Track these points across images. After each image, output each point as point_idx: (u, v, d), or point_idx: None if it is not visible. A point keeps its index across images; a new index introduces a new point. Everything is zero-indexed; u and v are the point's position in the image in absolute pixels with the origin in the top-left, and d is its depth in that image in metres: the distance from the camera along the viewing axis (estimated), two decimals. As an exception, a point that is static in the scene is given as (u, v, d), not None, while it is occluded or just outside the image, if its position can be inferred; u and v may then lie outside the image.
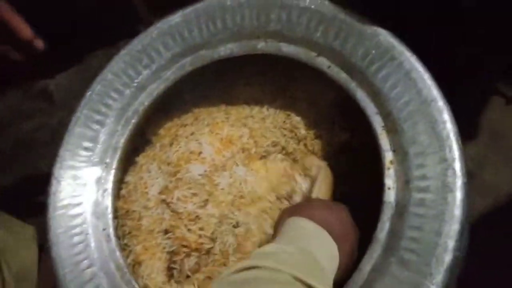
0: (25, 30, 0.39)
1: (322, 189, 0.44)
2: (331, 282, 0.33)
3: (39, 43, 0.40)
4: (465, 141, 0.67)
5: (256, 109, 0.55)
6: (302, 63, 0.46)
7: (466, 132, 0.64)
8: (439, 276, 0.31)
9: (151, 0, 0.74)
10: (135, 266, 0.47)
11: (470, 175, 0.65)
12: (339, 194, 0.44)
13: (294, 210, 0.39)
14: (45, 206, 0.45)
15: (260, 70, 0.57)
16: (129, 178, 0.51)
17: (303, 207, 0.39)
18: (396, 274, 0.34)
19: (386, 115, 0.39)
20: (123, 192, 0.51)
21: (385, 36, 0.40)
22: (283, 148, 0.53)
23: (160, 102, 0.51)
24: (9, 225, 0.56)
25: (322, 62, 0.43)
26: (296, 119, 0.53)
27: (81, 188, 0.46)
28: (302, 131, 0.53)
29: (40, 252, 0.60)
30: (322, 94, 0.54)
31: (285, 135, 0.53)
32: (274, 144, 0.53)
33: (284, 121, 0.53)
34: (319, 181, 0.45)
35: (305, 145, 0.53)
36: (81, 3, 0.74)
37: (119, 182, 0.50)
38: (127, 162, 0.51)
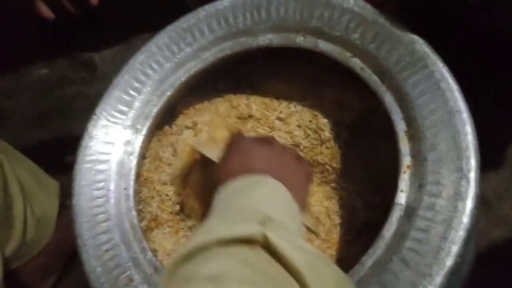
0: None
1: None
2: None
3: None
4: (488, 171, 0.67)
5: (284, 104, 0.57)
6: (336, 63, 0.48)
7: (491, 162, 0.64)
8: (438, 278, 0.32)
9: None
10: (146, 231, 0.49)
11: (489, 205, 0.64)
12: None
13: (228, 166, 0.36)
14: (74, 159, 0.48)
15: (294, 68, 0.59)
16: (152, 149, 0.54)
17: (237, 156, 0.36)
18: (396, 271, 0.34)
19: (410, 121, 0.40)
20: (145, 161, 0.53)
21: (420, 45, 0.41)
22: (301, 149, 0.54)
23: (195, 81, 0.54)
24: (37, 176, 0.60)
25: (356, 64, 0.44)
26: (323, 121, 0.54)
27: (110, 147, 0.49)
28: (327, 134, 0.54)
29: (59, 208, 0.63)
30: (351, 97, 0.55)
31: (308, 135, 0.55)
32: (295, 145, 0.55)
33: (310, 121, 0.55)
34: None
35: (327, 147, 0.54)
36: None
37: (145, 149, 0.53)
38: (156, 131, 0.54)
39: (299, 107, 0.56)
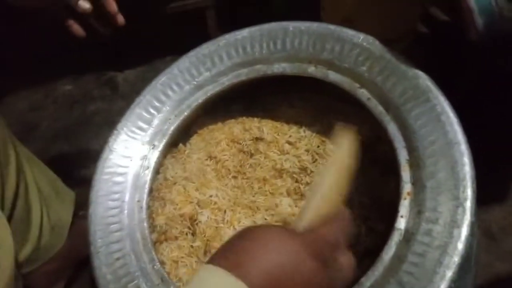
0: (112, 3, 0.46)
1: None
2: None
3: (121, 18, 0.47)
4: (493, 204, 0.68)
5: (294, 128, 0.60)
6: (344, 92, 0.51)
7: (495, 195, 0.65)
8: (432, 301, 0.33)
9: (222, 19, 0.83)
10: (156, 243, 0.51)
11: (492, 238, 0.64)
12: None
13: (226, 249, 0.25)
14: (92, 171, 0.51)
15: (305, 95, 0.62)
16: (165, 165, 0.57)
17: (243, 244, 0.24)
18: (392, 293, 0.35)
19: (412, 150, 0.42)
20: (159, 176, 0.56)
21: (424, 80, 0.44)
22: (308, 173, 0.57)
23: (211, 103, 0.57)
24: (56, 185, 0.63)
25: (363, 94, 0.47)
26: (330, 147, 0.57)
27: (127, 161, 0.52)
28: (333, 159, 0.56)
29: (73, 217, 0.66)
30: (358, 126, 0.57)
31: (316, 160, 0.57)
32: (302, 169, 0.57)
33: (318, 146, 0.57)
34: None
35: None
36: (163, 11, 0.84)
37: (160, 164, 0.56)
38: (171, 148, 0.57)
39: (308, 132, 0.59)
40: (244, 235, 0.25)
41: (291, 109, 0.62)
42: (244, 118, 0.62)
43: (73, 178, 0.75)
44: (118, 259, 0.44)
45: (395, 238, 0.39)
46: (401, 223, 0.39)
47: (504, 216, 0.65)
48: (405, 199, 0.40)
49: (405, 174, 0.41)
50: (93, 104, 0.97)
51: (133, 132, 0.53)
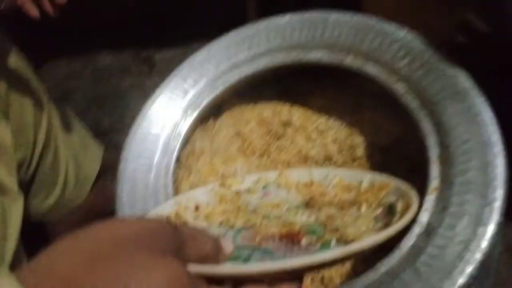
0: None
1: None
2: None
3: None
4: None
5: (323, 118, 0.60)
6: (379, 87, 0.51)
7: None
8: (448, 293, 0.33)
9: (262, 5, 0.84)
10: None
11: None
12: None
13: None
14: (128, 133, 0.53)
15: (338, 86, 0.63)
16: (194, 136, 0.58)
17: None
18: (407, 281, 0.35)
19: (444, 147, 0.42)
20: (187, 147, 0.58)
21: (463, 79, 0.43)
22: (333, 163, 0.57)
23: (244, 84, 0.58)
24: (85, 139, 0.66)
25: (400, 88, 0.47)
26: (358, 139, 0.57)
27: (159, 129, 0.54)
28: (360, 152, 0.56)
29: (100, 178, 0.68)
30: (389, 123, 0.57)
31: (342, 151, 0.57)
32: (327, 158, 0.58)
33: (346, 138, 0.58)
34: None
35: (359, 164, 0.56)
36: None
37: (190, 136, 0.57)
38: (201, 123, 0.59)
39: (337, 123, 0.59)
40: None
41: (323, 99, 0.63)
42: (275, 102, 0.63)
43: (104, 143, 0.78)
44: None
45: (416, 230, 0.39)
46: (423, 216, 0.39)
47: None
48: (430, 194, 0.40)
49: (434, 169, 0.41)
50: (129, 79, 1.00)
51: (167, 102, 0.55)
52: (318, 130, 0.59)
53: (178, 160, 0.53)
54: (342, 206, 0.31)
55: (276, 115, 0.60)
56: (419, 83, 0.46)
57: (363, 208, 0.30)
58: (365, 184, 0.32)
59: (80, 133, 0.64)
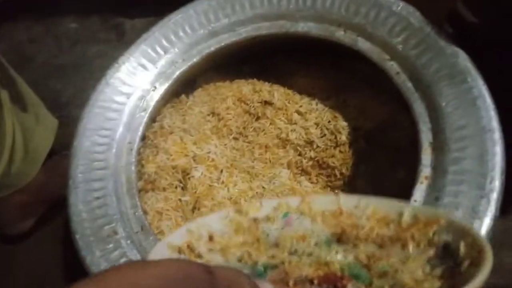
0: None
1: None
2: None
3: None
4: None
5: (306, 99, 0.56)
6: (372, 63, 0.46)
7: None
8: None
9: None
10: (141, 191, 0.47)
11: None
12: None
13: None
14: (87, 101, 0.47)
15: (323, 67, 0.58)
16: (163, 114, 0.52)
17: None
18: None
19: (438, 133, 0.38)
20: (154, 124, 0.52)
21: (463, 59, 0.40)
22: (314, 148, 0.53)
23: (222, 58, 0.53)
24: (37, 110, 0.58)
25: (392, 67, 0.43)
26: (342, 123, 0.53)
27: (124, 98, 0.47)
28: (343, 137, 0.52)
29: (50, 153, 0.61)
30: (375, 107, 0.54)
31: (324, 135, 0.53)
32: (308, 142, 0.53)
33: (329, 121, 0.53)
34: None
35: (340, 151, 0.53)
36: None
37: (158, 113, 0.51)
38: (172, 98, 0.53)
39: (320, 106, 0.55)
40: None
41: (306, 78, 0.58)
42: (255, 80, 0.57)
43: (62, 117, 0.70)
44: (97, 198, 0.40)
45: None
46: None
47: (504, 229, 0.61)
48: (421, 183, 0.37)
49: (426, 157, 0.38)
50: (96, 46, 0.91)
51: (134, 68, 0.48)
52: (299, 112, 0.55)
53: (143, 139, 0.48)
54: (382, 244, 0.27)
55: (256, 93, 0.55)
56: (414, 62, 0.42)
57: (410, 247, 0.25)
58: (406, 217, 0.27)
59: (32, 101, 0.56)
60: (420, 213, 0.27)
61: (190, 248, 0.26)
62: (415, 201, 0.36)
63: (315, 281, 0.23)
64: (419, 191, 0.36)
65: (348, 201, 0.29)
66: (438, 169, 0.36)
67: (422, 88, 0.41)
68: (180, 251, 0.25)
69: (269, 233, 0.29)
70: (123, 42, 0.93)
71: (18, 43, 0.95)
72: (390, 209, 0.28)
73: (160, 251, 0.23)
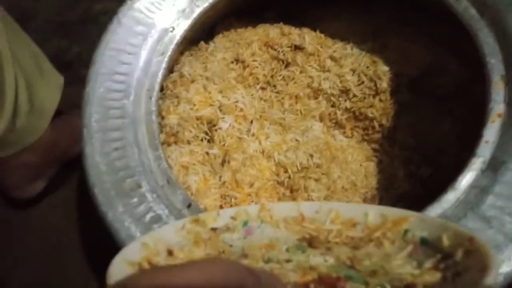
0: None
1: None
2: None
3: None
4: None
5: (339, 44, 0.50)
6: (408, 3, 0.40)
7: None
8: None
9: None
10: (163, 144, 0.42)
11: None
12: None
13: None
14: (98, 43, 0.41)
15: (356, 9, 0.52)
16: (181, 62, 0.47)
17: None
18: (472, 229, 0.27)
19: (510, 65, 0.32)
20: (173, 74, 0.47)
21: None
22: (350, 98, 0.47)
23: (242, 2, 0.47)
24: (40, 62, 0.52)
25: (451, -7, 0.37)
26: (383, 68, 0.47)
27: (139, 40, 0.42)
28: (384, 84, 0.47)
29: (63, 112, 0.56)
30: (419, 49, 0.48)
31: (362, 82, 0.47)
32: (343, 91, 0.48)
33: (368, 67, 0.48)
34: None
35: (380, 100, 0.47)
36: None
37: (176, 61, 0.46)
38: (189, 42, 0.47)
39: (356, 50, 0.49)
40: None
41: (338, 22, 0.52)
42: (281, 24, 0.51)
43: (68, 76, 0.65)
44: (117, 149, 0.36)
45: (475, 166, 0.30)
46: (485, 150, 0.30)
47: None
48: (493, 121, 0.31)
49: (497, 92, 0.32)
50: (100, 3, 0.85)
51: (150, 6, 0.42)
52: (333, 58, 0.49)
53: (161, 88, 0.42)
54: (355, 245, 0.27)
55: (284, 36, 0.49)
56: (479, -16, 0.35)
57: (386, 245, 0.26)
58: (373, 218, 0.27)
59: (36, 55, 0.50)
60: (387, 213, 0.27)
61: (151, 264, 0.24)
62: (486, 142, 0.31)
63: (312, 286, 0.23)
64: (491, 130, 0.31)
65: (308, 207, 0.30)
66: (514, 105, 0.31)
67: (490, 13, 0.35)
68: (140, 267, 0.22)
69: (232, 243, 0.28)
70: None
71: (19, 0, 0.89)
72: (353, 212, 0.28)
73: (119, 268, 0.21)
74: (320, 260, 0.25)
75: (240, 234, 0.28)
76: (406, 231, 0.25)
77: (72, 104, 0.62)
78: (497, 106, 0.32)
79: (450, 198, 0.30)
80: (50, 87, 0.50)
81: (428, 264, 0.23)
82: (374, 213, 0.27)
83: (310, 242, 0.28)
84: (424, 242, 0.25)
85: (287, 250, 0.27)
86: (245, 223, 0.29)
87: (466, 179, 0.30)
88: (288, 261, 0.26)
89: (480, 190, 0.29)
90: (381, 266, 0.24)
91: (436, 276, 0.22)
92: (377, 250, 0.26)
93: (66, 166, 0.57)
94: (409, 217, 0.26)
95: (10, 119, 0.43)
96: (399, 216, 0.26)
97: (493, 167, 0.29)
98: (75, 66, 0.74)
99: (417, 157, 0.46)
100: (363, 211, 0.28)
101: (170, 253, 0.25)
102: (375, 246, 0.26)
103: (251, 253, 0.27)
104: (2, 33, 0.43)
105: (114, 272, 0.20)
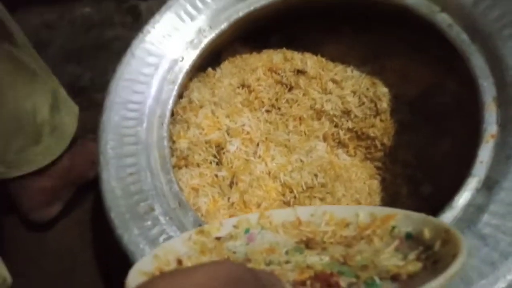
0: None
1: None
2: None
3: None
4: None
5: (340, 67, 0.52)
6: (408, 24, 0.42)
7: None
8: None
9: None
10: (174, 167, 0.44)
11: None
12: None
13: None
14: (113, 74, 0.44)
15: (354, 33, 0.54)
16: (190, 89, 0.49)
17: None
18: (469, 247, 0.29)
19: (503, 87, 0.34)
20: (181, 100, 0.49)
21: (529, 3, 0.35)
22: (352, 118, 0.49)
23: (250, 22, 0.49)
24: (59, 94, 0.55)
25: (444, 19, 0.39)
26: (382, 90, 0.49)
27: (151, 69, 0.44)
28: (384, 105, 0.49)
29: (78, 137, 0.59)
30: (418, 69, 0.50)
31: (363, 103, 0.49)
32: (345, 112, 0.50)
33: (368, 88, 0.50)
34: None
35: (381, 120, 0.49)
36: None
37: (184, 87, 0.48)
38: (197, 69, 0.50)
39: (356, 72, 0.51)
40: None
41: (338, 45, 0.54)
42: (284, 49, 0.54)
43: (83, 101, 0.68)
44: (131, 174, 0.38)
45: (470, 185, 0.32)
46: (480, 170, 0.32)
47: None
48: (487, 142, 0.33)
49: (490, 113, 0.34)
50: (112, 30, 0.89)
51: (160, 38, 0.45)
52: (334, 81, 0.51)
53: (172, 114, 0.45)
54: (348, 244, 0.29)
55: (287, 61, 0.51)
56: (470, 11, 0.38)
57: (376, 241, 0.28)
58: (363, 217, 0.30)
59: (53, 83, 0.54)
60: (376, 212, 0.29)
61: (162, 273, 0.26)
62: (481, 162, 0.32)
63: (308, 283, 0.24)
64: (485, 151, 0.33)
65: (304, 211, 0.31)
66: (506, 126, 0.33)
67: (480, 39, 0.37)
68: (153, 276, 0.25)
69: (235, 250, 0.30)
70: (139, 24, 0.90)
71: (33, 29, 0.93)
72: (346, 212, 0.30)
73: (135, 279, 0.24)
74: (316, 259, 0.27)
75: (243, 241, 0.30)
76: (393, 227, 0.28)
77: (86, 128, 0.65)
78: (490, 127, 0.33)
79: (448, 216, 0.31)
80: (69, 114, 0.53)
81: (411, 256, 0.25)
82: (365, 213, 0.30)
83: (307, 244, 0.30)
84: (409, 236, 0.27)
85: (287, 252, 0.29)
86: (246, 231, 0.31)
87: (463, 198, 0.31)
88: (287, 262, 0.28)
89: (476, 208, 0.30)
90: (371, 261, 0.26)
91: (418, 266, 0.24)
92: (367, 247, 0.28)
93: (81, 189, 0.59)
94: (396, 214, 0.28)
95: (33, 134, 0.45)
96: (387, 214, 0.29)
97: (488, 186, 0.31)
98: (88, 91, 0.77)
99: (418, 175, 0.48)
100: (354, 212, 0.30)
101: (179, 262, 0.28)
102: (366, 243, 0.28)
103: (254, 257, 0.29)
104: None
105: (130, 282, 0.23)
